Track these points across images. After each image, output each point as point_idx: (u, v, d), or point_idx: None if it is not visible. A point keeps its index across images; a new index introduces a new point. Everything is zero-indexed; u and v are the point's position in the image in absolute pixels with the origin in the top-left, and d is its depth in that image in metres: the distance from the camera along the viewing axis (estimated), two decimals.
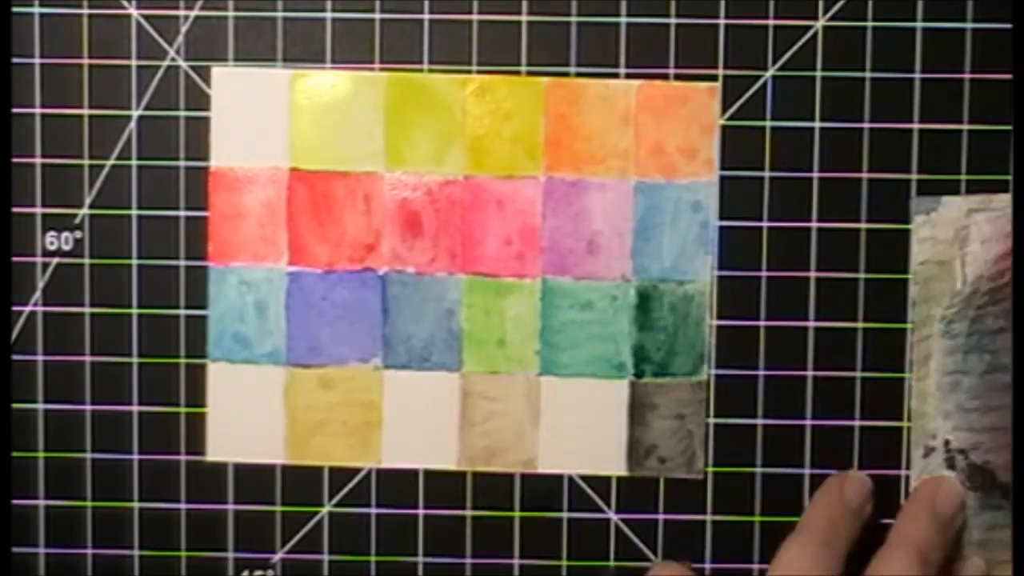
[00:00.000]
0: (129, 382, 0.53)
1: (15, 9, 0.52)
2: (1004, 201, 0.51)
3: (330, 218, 0.52)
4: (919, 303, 0.52)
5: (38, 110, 0.52)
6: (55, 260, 0.53)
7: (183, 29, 0.52)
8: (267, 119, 0.52)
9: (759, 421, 0.52)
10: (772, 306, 0.52)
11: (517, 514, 0.53)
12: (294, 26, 0.52)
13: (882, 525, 0.51)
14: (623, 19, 0.52)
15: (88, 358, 0.53)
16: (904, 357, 0.52)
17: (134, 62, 0.52)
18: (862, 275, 0.52)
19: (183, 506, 0.53)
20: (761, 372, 0.52)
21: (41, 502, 0.53)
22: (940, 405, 0.52)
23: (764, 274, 0.52)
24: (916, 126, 0.52)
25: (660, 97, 0.52)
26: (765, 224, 0.52)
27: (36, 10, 0.52)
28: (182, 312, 0.53)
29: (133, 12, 0.52)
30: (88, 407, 0.53)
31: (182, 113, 0.52)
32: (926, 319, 0.52)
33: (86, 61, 0.52)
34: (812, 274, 0.52)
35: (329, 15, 0.52)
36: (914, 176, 0.52)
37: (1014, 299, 0.50)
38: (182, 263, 0.52)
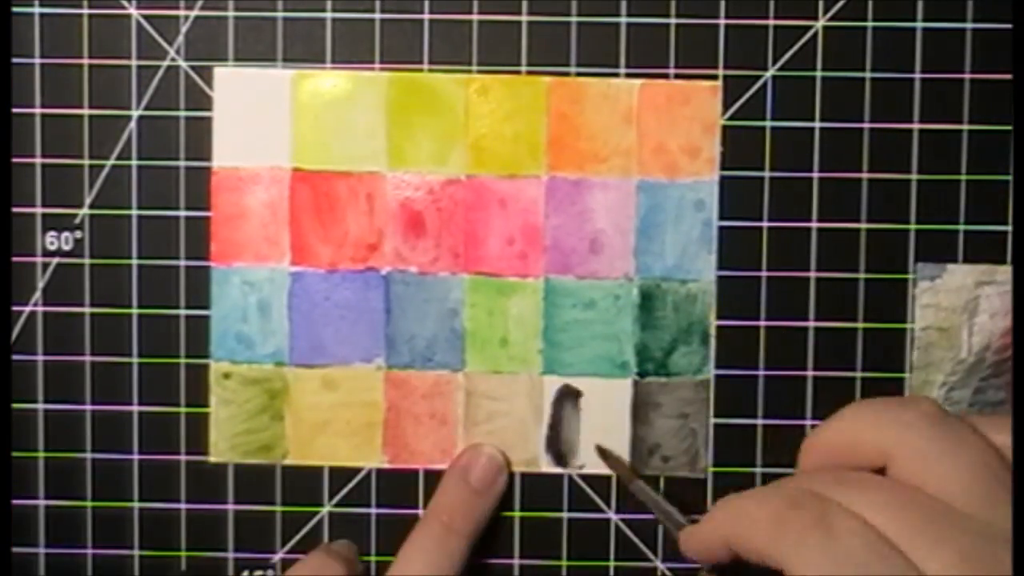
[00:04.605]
0: (129, 382, 0.53)
1: (15, 9, 0.52)
2: (1008, 275, 0.52)
3: (333, 218, 0.52)
4: (918, 368, 0.52)
5: (38, 110, 0.52)
6: (55, 260, 0.52)
7: (183, 29, 0.52)
8: (269, 119, 0.52)
9: (759, 421, 0.53)
10: (772, 306, 0.52)
11: (517, 514, 0.53)
12: (294, 26, 0.52)
13: None
14: (623, 19, 0.52)
15: (88, 358, 0.53)
16: (904, 358, 0.52)
17: (134, 62, 0.52)
18: (862, 275, 0.52)
19: (183, 506, 0.53)
20: (761, 372, 0.52)
21: (41, 502, 0.53)
22: None
23: (764, 274, 0.52)
24: (916, 126, 0.52)
25: (662, 96, 0.52)
26: (765, 224, 0.52)
27: (36, 10, 0.52)
28: (182, 312, 0.53)
29: (133, 12, 0.52)
30: (88, 407, 0.53)
31: (182, 113, 0.52)
32: (924, 384, 0.52)
33: (86, 61, 0.52)
34: (812, 274, 0.52)
35: (329, 15, 0.52)
36: (914, 176, 0.52)
37: (1014, 301, 0.50)
38: (182, 263, 0.52)
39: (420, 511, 0.53)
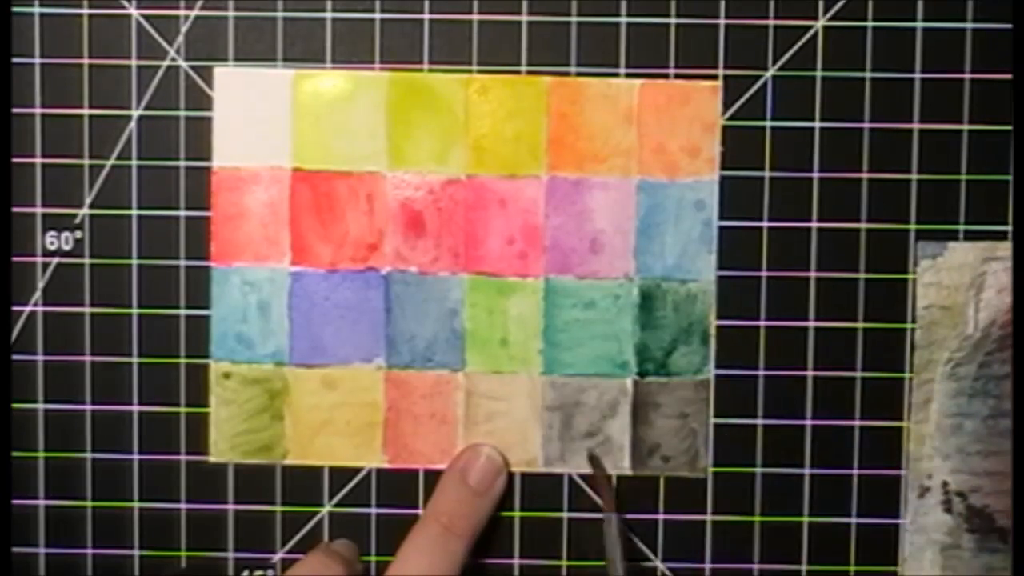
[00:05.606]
0: (129, 382, 0.53)
1: (15, 9, 0.52)
2: (1010, 250, 0.52)
3: (333, 218, 0.52)
4: (920, 348, 0.52)
5: (38, 110, 0.52)
6: (55, 260, 0.52)
7: (183, 29, 0.52)
8: (269, 119, 0.52)
9: (759, 421, 0.53)
10: (772, 306, 0.52)
11: (517, 514, 0.53)
12: (294, 26, 0.52)
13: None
14: (623, 19, 0.52)
15: (88, 358, 0.53)
16: (904, 358, 0.52)
17: (134, 62, 0.52)
18: (862, 275, 0.52)
19: (183, 506, 0.53)
20: (761, 372, 0.52)
21: (41, 502, 0.53)
22: (940, 447, 0.52)
23: (764, 274, 0.52)
24: (916, 126, 0.52)
25: (662, 96, 0.52)
26: (765, 224, 0.52)
27: (36, 10, 0.52)
28: (182, 312, 0.53)
29: (133, 12, 0.52)
30: (88, 407, 0.53)
31: (182, 113, 0.52)
32: (927, 364, 0.52)
33: (86, 61, 0.52)
34: (812, 274, 0.52)
35: (329, 15, 0.52)
36: (914, 176, 0.52)
37: (1014, 293, 0.50)
38: (183, 263, 0.52)
39: (420, 511, 0.53)
